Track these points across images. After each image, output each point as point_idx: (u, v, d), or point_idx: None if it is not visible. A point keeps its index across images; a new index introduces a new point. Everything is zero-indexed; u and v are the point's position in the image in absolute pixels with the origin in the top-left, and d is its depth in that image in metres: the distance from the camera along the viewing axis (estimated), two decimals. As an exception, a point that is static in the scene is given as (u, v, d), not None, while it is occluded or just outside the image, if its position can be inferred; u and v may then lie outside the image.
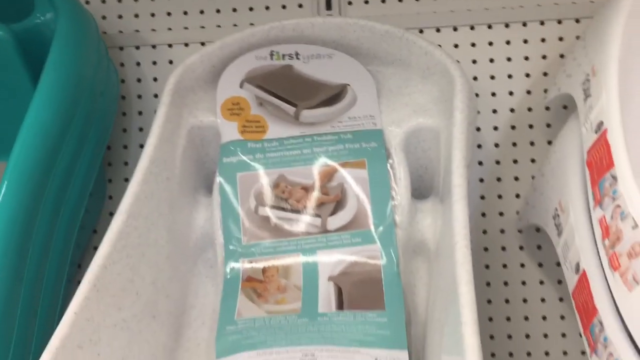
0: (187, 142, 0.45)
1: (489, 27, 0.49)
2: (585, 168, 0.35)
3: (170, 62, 0.52)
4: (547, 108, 0.49)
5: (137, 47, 0.53)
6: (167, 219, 0.42)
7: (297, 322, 0.39)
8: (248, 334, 0.39)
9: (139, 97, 0.53)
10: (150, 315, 0.38)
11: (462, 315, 0.30)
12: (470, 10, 0.49)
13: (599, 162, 0.30)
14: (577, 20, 0.48)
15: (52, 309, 0.39)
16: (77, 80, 0.43)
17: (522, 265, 0.50)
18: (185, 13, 0.52)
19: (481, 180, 0.50)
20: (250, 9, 0.51)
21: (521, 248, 0.50)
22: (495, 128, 0.50)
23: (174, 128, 0.44)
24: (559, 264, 0.50)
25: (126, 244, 0.37)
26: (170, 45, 0.52)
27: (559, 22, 0.49)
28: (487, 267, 0.50)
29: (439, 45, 0.45)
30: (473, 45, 0.50)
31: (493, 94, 0.50)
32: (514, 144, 0.50)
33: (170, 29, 0.52)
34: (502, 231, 0.50)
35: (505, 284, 0.50)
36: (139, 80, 0.53)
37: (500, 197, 0.50)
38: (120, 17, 0.52)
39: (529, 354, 0.49)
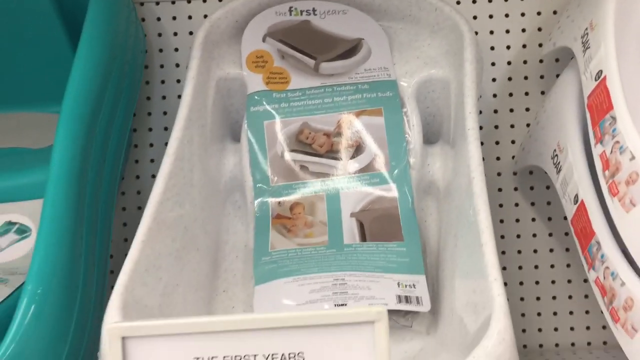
0: (215, 92, 0.48)
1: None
2: (581, 112, 0.40)
3: (190, 17, 0.55)
4: (541, 61, 0.54)
5: (157, 3, 0.56)
6: (203, 163, 0.46)
7: (326, 253, 0.44)
8: (282, 264, 0.43)
9: (160, 50, 0.56)
10: (194, 247, 0.42)
11: (482, 238, 0.35)
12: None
13: (599, 105, 0.35)
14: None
15: (106, 243, 0.43)
16: (115, 33, 0.46)
17: (516, 205, 0.55)
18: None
19: (480, 127, 0.55)
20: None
21: (515, 189, 0.55)
22: (494, 80, 0.55)
23: (204, 80, 0.47)
24: (549, 203, 0.55)
25: (175, 183, 0.41)
26: (189, 1, 0.55)
27: (553, -19, 0.53)
28: (485, 206, 0.55)
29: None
30: (474, 2, 0.54)
31: (492, 48, 0.54)
32: (510, 94, 0.55)
33: (189, -15, 0.55)
34: (499, 174, 0.55)
35: (501, 221, 0.55)
36: (159, 34, 0.56)
37: (497, 143, 0.55)
38: (140, -26, 0.55)
39: (521, 283, 0.55)
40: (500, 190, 0.55)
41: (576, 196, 0.38)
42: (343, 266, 0.42)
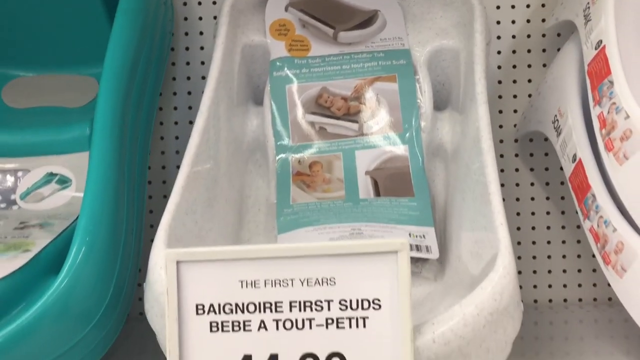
0: (241, 58, 0.52)
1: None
2: (581, 80, 0.44)
3: (214, 2, 0.58)
4: (544, 35, 0.58)
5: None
6: (230, 123, 0.49)
7: (343, 206, 0.47)
8: (303, 215, 0.47)
9: (186, 34, 0.59)
10: (223, 199, 0.46)
11: (490, 188, 0.39)
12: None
13: (599, 71, 0.38)
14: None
15: (143, 191, 0.47)
16: (148, 10, 0.49)
17: (517, 170, 0.59)
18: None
19: (485, 97, 0.59)
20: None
21: (516, 155, 0.59)
22: (499, 52, 0.58)
23: (231, 46, 0.51)
24: (547, 169, 0.59)
25: (207, 138, 0.44)
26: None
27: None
28: (487, 171, 0.59)
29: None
30: (481, -22, 0.57)
31: (498, 22, 0.58)
32: (514, 67, 0.58)
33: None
34: (501, 141, 0.59)
35: (502, 185, 0.59)
36: (184, 4, 0.59)
37: (500, 112, 0.59)
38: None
39: (519, 243, 0.58)
40: (502, 156, 0.59)
41: (574, 155, 0.41)
42: (359, 218, 0.46)
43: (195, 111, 0.47)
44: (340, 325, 0.31)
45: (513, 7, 0.58)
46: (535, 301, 0.58)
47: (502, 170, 0.59)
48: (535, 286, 0.58)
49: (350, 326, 0.31)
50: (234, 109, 0.51)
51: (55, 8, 0.52)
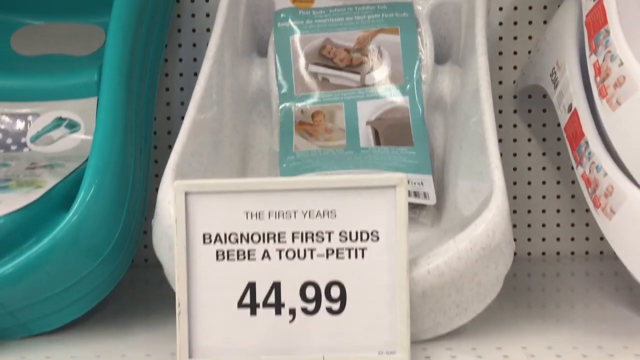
0: (246, 8, 0.53)
1: None
2: (579, 35, 0.45)
3: None
4: (545, -8, 0.58)
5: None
6: (235, 71, 0.50)
7: (345, 154, 0.49)
8: (306, 162, 0.48)
9: None
10: (228, 144, 0.47)
11: (486, 135, 0.40)
12: None
13: (596, 22, 0.39)
14: None
15: (149, 132, 0.49)
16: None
17: (515, 126, 0.60)
18: None
19: (485, 53, 0.60)
20: None
21: (515, 111, 0.60)
22: (500, 9, 0.59)
23: (236, -5, 0.52)
24: (544, 125, 0.60)
25: (213, 84, 0.46)
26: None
27: None
28: (486, 126, 0.60)
29: None
30: None
31: (501, -20, 0.59)
32: (515, 23, 0.59)
33: None
34: (500, 97, 0.60)
35: (500, 141, 0.60)
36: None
37: (500, 68, 0.60)
38: None
39: (515, 197, 0.60)
40: (500, 112, 0.60)
41: (570, 105, 0.43)
42: (360, 165, 0.48)
43: (200, 63, 0.48)
44: (340, 255, 0.32)
45: (516, -37, 0.58)
46: (529, 254, 0.60)
47: (500, 126, 0.60)
48: (529, 239, 0.60)
49: (349, 257, 0.32)
50: (239, 59, 0.52)
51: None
